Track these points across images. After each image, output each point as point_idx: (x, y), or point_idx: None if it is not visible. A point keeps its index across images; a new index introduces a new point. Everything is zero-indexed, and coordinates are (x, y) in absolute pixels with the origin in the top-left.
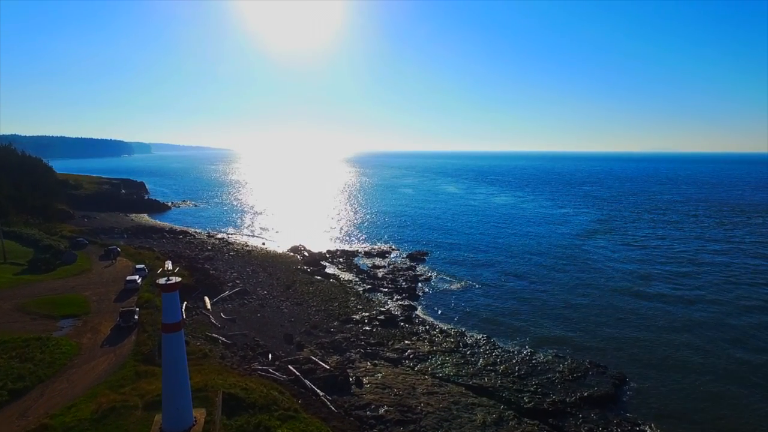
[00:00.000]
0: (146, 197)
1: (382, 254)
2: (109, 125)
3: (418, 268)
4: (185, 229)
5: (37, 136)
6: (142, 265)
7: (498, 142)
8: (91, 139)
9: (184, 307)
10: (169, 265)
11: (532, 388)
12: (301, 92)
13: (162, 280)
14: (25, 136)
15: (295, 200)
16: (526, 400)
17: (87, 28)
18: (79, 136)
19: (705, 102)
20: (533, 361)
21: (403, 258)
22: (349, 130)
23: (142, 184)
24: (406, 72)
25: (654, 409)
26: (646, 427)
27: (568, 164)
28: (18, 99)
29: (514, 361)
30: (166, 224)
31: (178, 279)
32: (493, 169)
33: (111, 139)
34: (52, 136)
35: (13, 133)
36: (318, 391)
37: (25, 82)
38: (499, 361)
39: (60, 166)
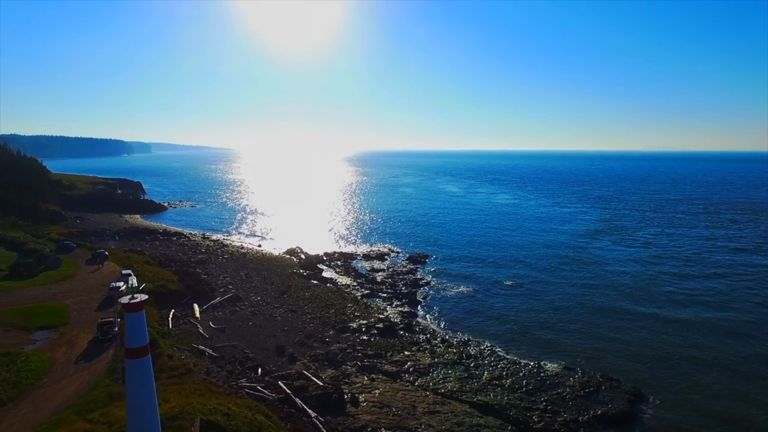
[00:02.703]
0: (142, 197)
1: (381, 257)
2: (109, 125)
3: (418, 272)
4: (180, 230)
5: (37, 136)
6: (129, 271)
7: (498, 140)
8: (91, 138)
9: (171, 316)
10: (133, 281)
11: (541, 406)
12: (301, 92)
13: (126, 299)
14: (25, 136)
15: (293, 200)
16: (536, 419)
17: (87, 27)
18: (79, 136)
19: (705, 100)
20: (541, 375)
21: (402, 260)
22: (350, 130)
23: (138, 184)
24: (406, 71)
25: (674, 430)
26: None
27: (568, 163)
28: (18, 99)
29: (521, 374)
30: (161, 225)
31: (145, 297)
32: (493, 168)
33: (111, 139)
34: (52, 136)
35: (13, 133)
36: (309, 411)
37: (25, 82)
38: (505, 375)
39: (59, 165)
